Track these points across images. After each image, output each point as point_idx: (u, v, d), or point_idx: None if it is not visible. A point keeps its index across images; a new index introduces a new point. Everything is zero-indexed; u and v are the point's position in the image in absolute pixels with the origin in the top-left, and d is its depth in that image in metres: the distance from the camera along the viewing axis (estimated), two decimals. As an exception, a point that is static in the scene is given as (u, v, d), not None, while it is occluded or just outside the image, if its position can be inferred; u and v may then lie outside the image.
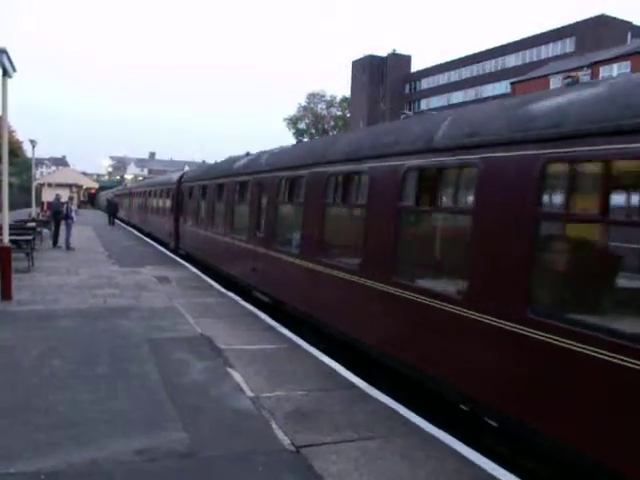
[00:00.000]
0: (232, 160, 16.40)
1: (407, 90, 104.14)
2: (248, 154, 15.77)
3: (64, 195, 27.09)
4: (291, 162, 11.17)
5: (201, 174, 19.96)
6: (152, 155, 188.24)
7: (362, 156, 8.25)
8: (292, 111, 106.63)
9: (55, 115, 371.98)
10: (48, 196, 44.35)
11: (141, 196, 35.97)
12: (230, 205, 14.92)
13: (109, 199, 47.90)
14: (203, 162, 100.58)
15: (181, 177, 23.20)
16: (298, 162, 10.70)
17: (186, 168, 46.55)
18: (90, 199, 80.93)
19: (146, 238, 29.80)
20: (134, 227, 37.82)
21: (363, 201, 8.26)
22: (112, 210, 41.94)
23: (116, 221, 42.22)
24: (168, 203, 24.84)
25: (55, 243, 23.44)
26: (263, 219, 12.27)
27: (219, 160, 22.37)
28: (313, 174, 9.82)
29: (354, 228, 8.58)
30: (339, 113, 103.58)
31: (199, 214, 18.82)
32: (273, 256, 11.35)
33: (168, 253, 22.79)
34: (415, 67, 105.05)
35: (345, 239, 9.38)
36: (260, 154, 13.82)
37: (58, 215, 23.70)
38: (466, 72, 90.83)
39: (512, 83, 67.29)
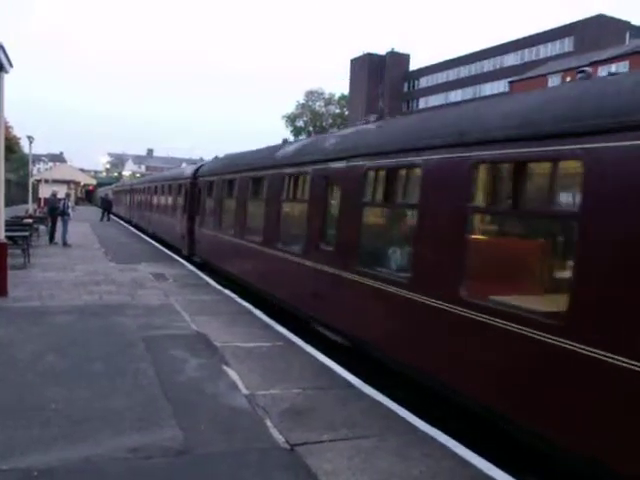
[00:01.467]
0: (274, 148, 13.20)
1: (406, 88, 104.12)
2: (286, 142, 15.07)
3: (60, 192, 27.06)
4: (392, 145, 7.75)
5: (225, 166, 16.21)
6: (150, 152, 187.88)
7: None
8: (290, 109, 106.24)
9: (53, 111, 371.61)
10: (45, 192, 44.40)
11: (145, 193, 32.53)
12: (274, 205, 11.54)
13: (102, 196, 49.91)
14: (201, 159, 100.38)
15: (197, 170, 19.64)
16: (408, 144, 7.30)
17: (183, 165, 45.78)
18: (88, 196, 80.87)
19: (144, 236, 29.68)
20: (136, 227, 34.79)
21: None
22: (106, 206, 43.09)
23: (111, 217, 43.47)
24: (180, 201, 21.25)
25: (52, 239, 23.40)
26: (333, 226, 9.07)
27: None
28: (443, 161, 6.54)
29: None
30: (337, 111, 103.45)
31: (223, 215, 15.58)
32: (351, 280, 8.17)
33: (165, 250, 22.69)
34: (414, 66, 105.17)
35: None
36: (322, 138, 10.90)
37: (54, 212, 23.68)
38: (465, 71, 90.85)
39: (510, 82, 67.35)
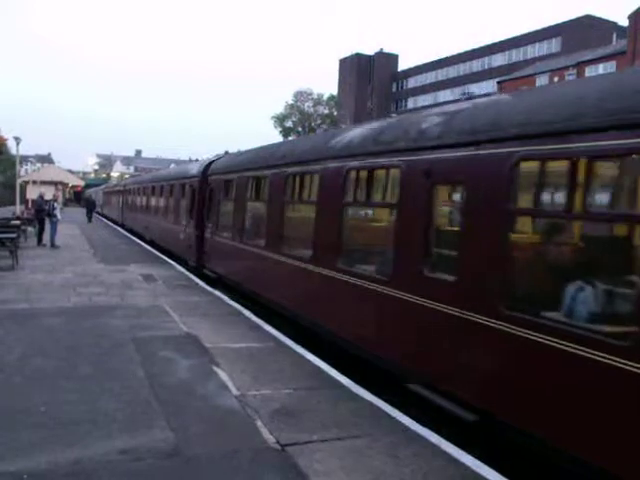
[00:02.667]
0: (327, 135, 10.98)
1: (394, 89, 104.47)
2: (333, 127, 14.32)
3: (48, 193, 26.85)
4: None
5: (250, 161, 13.09)
6: (138, 153, 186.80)
7: None
8: (279, 109, 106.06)
9: (40, 112, 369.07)
10: (33, 194, 44.15)
11: (141, 194, 28.98)
12: (331, 211, 8.61)
13: (86, 197, 49.65)
14: (189, 159, 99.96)
15: (207, 167, 16.55)
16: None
17: (172, 166, 45.30)
18: (76, 197, 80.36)
19: (133, 237, 29.51)
20: (131, 231, 31.67)
21: None
22: (90, 207, 43.69)
23: (98, 217, 45.24)
24: (185, 203, 18.29)
25: (40, 241, 23.24)
26: (450, 245, 6.32)
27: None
28: None
29: None
30: (326, 111, 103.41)
31: (248, 221, 12.80)
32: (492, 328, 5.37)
33: (154, 251, 22.59)
34: (402, 66, 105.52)
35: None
36: (418, 117, 7.64)
37: (42, 213, 23.51)
38: (453, 71, 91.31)
39: (499, 82, 67.71)
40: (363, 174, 8.25)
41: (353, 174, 8.34)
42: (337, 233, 8.40)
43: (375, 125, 8.60)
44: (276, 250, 10.52)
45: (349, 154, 8.43)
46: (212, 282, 14.65)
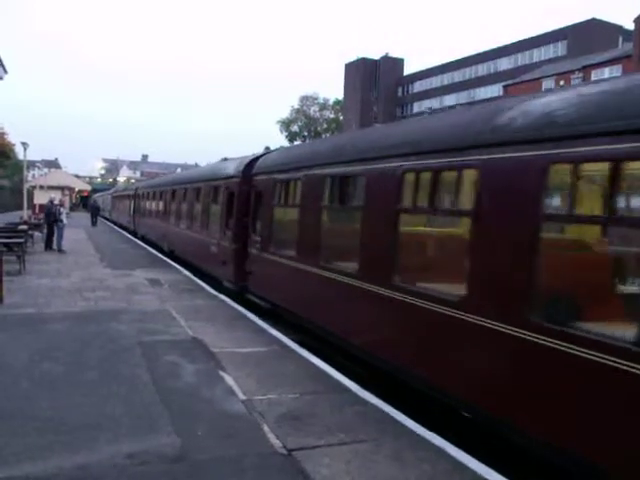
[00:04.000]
0: (494, 107, 6.37)
1: (400, 93, 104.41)
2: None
3: (55, 198, 26.90)
4: None
5: (328, 153, 9.83)
6: (145, 157, 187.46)
7: None
8: (285, 114, 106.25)
9: (48, 117, 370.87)
10: (40, 199, 44.46)
11: (157, 198, 25.95)
12: (515, 229, 5.31)
13: (91, 203, 51.13)
14: (196, 165, 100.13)
15: (249, 165, 13.41)
16: None
17: (178, 170, 45.12)
18: (83, 202, 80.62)
19: (139, 241, 29.53)
20: (143, 239, 29.18)
21: None
22: (94, 212, 44.94)
23: (102, 221, 46.79)
24: (217, 209, 15.26)
25: (49, 246, 23.19)
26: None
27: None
28: None
29: None
30: (332, 116, 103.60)
31: (322, 237, 9.36)
32: None
33: (160, 255, 22.62)
34: (408, 70, 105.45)
35: None
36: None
37: (50, 217, 23.53)
38: (459, 75, 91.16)
39: (505, 86, 67.62)
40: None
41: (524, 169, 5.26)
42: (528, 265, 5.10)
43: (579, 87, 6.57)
44: (383, 282, 7.20)
45: (513, 140, 5.41)
46: (263, 313, 11.53)
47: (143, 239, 29.13)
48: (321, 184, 9.42)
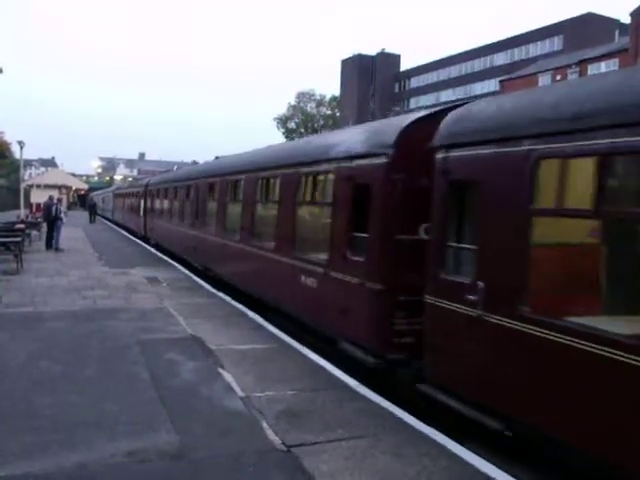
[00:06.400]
0: None
1: (396, 89, 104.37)
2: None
3: (55, 197, 26.76)
4: None
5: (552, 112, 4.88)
6: (142, 156, 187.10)
7: None
8: (281, 110, 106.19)
9: (44, 115, 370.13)
10: (37, 198, 44.50)
11: (182, 196, 19.48)
12: None
13: (88, 201, 53.97)
14: (193, 162, 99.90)
15: (410, 129, 7.18)
16: None
17: (175, 168, 43.69)
18: (80, 200, 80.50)
19: (137, 240, 29.39)
20: (156, 247, 24.20)
21: None
22: (91, 209, 47.48)
23: (99, 219, 48.81)
24: (318, 215, 9.80)
25: (50, 245, 22.81)
26: None
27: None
28: None
29: None
30: (329, 112, 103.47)
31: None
32: None
33: (158, 253, 22.53)
34: (404, 66, 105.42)
35: None
36: None
37: (51, 215, 23.34)
38: (455, 70, 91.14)
39: (501, 81, 67.59)
40: None
41: None
42: None
43: None
44: None
45: None
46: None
47: (158, 247, 23.90)
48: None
